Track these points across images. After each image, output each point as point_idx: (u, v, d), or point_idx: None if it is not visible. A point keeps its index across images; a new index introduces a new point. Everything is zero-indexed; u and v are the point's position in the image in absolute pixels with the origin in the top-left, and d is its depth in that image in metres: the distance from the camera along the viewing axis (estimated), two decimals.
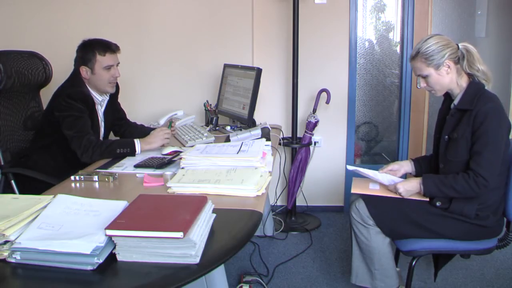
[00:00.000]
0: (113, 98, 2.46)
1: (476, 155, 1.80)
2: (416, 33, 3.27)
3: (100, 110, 2.37)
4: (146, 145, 2.18)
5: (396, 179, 2.03)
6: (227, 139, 2.27)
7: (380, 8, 3.45)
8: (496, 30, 3.33)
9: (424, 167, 2.12)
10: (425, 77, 1.91)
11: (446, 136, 1.91)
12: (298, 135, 3.21)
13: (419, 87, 1.98)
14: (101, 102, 2.36)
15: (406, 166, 2.15)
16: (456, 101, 1.91)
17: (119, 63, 2.32)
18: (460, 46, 1.88)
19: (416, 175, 2.12)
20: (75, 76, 2.27)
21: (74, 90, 2.20)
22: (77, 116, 2.15)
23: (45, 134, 2.29)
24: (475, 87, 1.87)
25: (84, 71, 2.24)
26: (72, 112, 2.15)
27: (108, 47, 2.26)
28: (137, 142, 2.16)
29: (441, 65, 1.86)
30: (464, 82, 1.90)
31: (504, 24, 3.28)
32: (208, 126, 2.84)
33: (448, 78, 1.89)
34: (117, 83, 2.38)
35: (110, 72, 2.26)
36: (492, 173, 1.78)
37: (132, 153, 2.14)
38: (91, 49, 2.24)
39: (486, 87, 1.89)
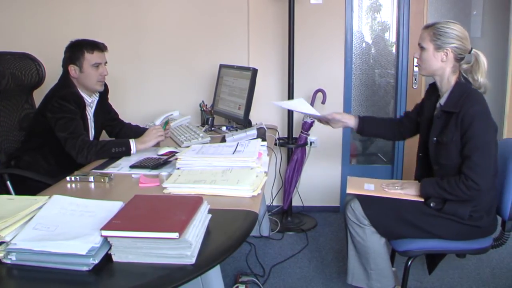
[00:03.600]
0: (103, 99, 2.46)
1: (467, 159, 1.80)
2: (411, 33, 3.28)
3: (90, 111, 2.37)
4: (141, 144, 2.18)
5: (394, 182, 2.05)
6: (223, 140, 2.27)
7: (376, 9, 3.46)
8: (492, 30, 3.35)
9: (367, 129, 2.18)
10: (422, 50, 1.92)
11: (435, 138, 1.91)
12: (294, 135, 3.21)
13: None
14: (90, 103, 2.36)
15: (349, 120, 2.19)
16: (442, 101, 1.92)
17: (106, 62, 2.33)
18: (472, 51, 1.88)
19: (357, 132, 2.20)
20: (65, 78, 2.27)
21: (67, 91, 2.21)
22: (70, 118, 2.15)
23: (36, 136, 2.29)
24: (461, 88, 1.87)
25: (73, 70, 2.25)
26: (65, 114, 2.15)
27: (96, 46, 2.28)
28: (132, 141, 2.16)
29: (442, 48, 1.86)
30: (453, 80, 1.90)
31: (500, 25, 3.29)
32: (203, 126, 2.84)
33: (439, 64, 1.89)
34: (106, 84, 2.39)
35: (99, 70, 2.27)
36: (483, 177, 1.77)
37: (128, 152, 2.14)
38: (79, 48, 2.25)
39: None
